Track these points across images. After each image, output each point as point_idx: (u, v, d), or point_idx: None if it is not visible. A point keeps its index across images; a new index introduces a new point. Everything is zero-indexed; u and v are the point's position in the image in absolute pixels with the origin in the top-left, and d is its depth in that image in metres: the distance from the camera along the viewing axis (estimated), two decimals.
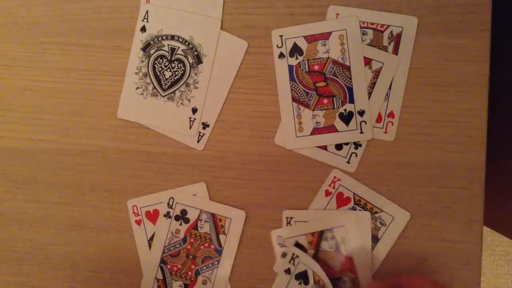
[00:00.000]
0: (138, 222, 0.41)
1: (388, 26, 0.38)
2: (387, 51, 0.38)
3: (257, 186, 0.40)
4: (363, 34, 0.38)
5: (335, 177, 0.39)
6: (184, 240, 0.40)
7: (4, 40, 0.43)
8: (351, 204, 0.39)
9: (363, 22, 0.38)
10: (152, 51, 0.41)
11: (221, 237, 0.40)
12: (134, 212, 0.41)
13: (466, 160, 0.38)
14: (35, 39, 0.42)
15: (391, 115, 0.39)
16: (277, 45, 0.39)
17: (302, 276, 0.38)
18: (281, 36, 0.39)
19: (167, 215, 0.41)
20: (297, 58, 0.39)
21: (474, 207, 0.38)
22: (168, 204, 0.40)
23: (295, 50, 0.39)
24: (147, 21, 0.41)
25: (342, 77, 0.39)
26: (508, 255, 1.07)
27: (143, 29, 0.41)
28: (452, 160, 0.38)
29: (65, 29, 0.42)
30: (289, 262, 0.38)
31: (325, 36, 0.39)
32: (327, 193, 0.39)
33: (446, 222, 0.38)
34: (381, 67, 0.38)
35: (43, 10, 0.42)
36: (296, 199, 0.40)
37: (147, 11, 0.41)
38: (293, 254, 0.38)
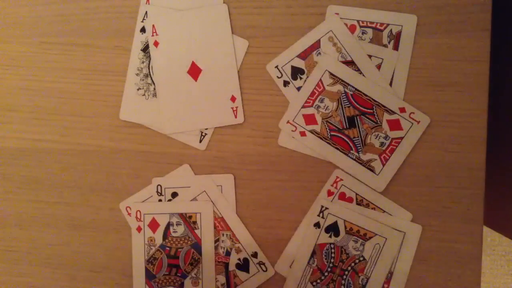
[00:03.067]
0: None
1: (388, 24, 0.38)
2: None
3: (257, 186, 0.40)
4: (362, 33, 0.38)
5: (337, 177, 0.39)
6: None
7: (4, 40, 0.43)
8: (354, 204, 0.39)
9: (363, 21, 0.38)
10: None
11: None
12: (129, 213, 0.41)
13: (466, 160, 0.38)
14: (35, 39, 0.42)
15: None
16: (277, 76, 0.39)
17: (333, 228, 0.38)
18: (276, 66, 0.39)
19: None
20: (301, 78, 0.39)
21: (474, 207, 0.38)
22: (158, 192, 0.40)
23: (296, 72, 0.39)
24: None
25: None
26: (508, 255, 1.07)
27: (143, 30, 0.41)
28: (452, 160, 0.38)
29: (65, 29, 0.42)
30: (318, 215, 0.38)
31: (316, 45, 0.39)
32: (329, 193, 0.39)
33: (446, 222, 0.38)
34: (381, 63, 0.38)
35: (43, 10, 0.42)
36: (296, 199, 0.40)
37: (146, 12, 0.41)
38: (322, 206, 0.38)
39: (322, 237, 0.39)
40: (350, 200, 0.39)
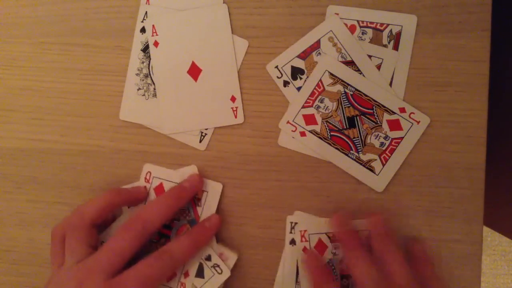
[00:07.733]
0: None
1: (388, 25, 0.38)
2: None
3: (257, 186, 0.40)
4: (362, 33, 0.38)
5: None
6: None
7: (4, 40, 0.43)
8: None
9: (363, 22, 0.38)
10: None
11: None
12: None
13: (466, 160, 0.38)
14: (35, 39, 0.42)
15: None
16: (277, 76, 0.39)
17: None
18: (276, 66, 0.39)
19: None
20: (301, 78, 0.39)
21: (474, 207, 0.38)
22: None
23: (296, 72, 0.39)
24: None
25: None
26: (508, 255, 1.07)
27: (143, 30, 0.41)
28: (452, 160, 0.38)
29: (65, 29, 0.42)
30: (290, 232, 0.38)
31: (316, 45, 0.39)
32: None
33: (446, 222, 0.38)
34: (381, 63, 0.38)
35: (43, 10, 0.42)
36: (296, 199, 0.40)
37: (146, 12, 0.41)
38: (291, 223, 0.38)
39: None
40: (324, 247, 0.38)
